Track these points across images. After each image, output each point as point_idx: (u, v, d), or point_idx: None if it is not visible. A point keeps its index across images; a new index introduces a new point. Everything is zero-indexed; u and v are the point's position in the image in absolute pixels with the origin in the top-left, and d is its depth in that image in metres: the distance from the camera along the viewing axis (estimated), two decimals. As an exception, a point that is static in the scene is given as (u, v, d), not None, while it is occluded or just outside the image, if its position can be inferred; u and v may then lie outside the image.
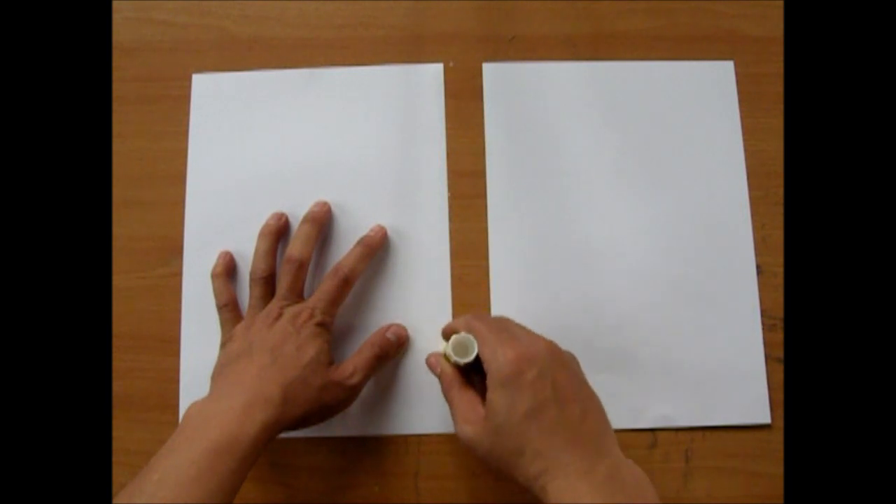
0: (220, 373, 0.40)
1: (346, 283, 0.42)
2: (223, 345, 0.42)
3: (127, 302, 0.45)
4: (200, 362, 0.45)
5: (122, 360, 0.45)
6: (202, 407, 0.36)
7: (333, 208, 0.46)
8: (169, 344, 0.45)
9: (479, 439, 0.35)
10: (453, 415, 0.37)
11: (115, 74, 0.48)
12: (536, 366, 0.34)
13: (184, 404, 0.44)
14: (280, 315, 0.41)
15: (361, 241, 0.44)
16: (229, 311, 0.43)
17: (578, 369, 0.37)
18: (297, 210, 0.46)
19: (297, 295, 0.42)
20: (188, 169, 0.47)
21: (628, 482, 0.33)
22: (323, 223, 0.45)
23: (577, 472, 0.32)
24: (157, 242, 0.46)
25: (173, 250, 0.46)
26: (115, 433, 0.44)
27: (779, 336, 0.45)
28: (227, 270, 0.45)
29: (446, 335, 0.39)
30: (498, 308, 0.45)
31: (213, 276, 0.45)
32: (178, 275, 0.46)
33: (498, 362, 0.35)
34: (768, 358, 0.44)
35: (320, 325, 0.40)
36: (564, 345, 0.37)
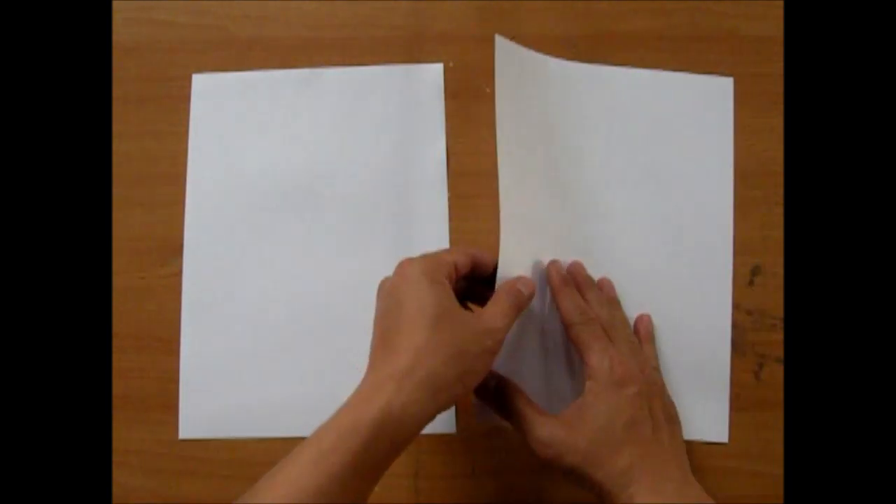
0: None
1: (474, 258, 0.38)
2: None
3: (127, 302, 0.45)
4: (200, 362, 0.45)
5: (122, 360, 0.45)
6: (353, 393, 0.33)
7: (333, 208, 0.46)
8: (169, 344, 0.45)
9: (564, 437, 0.35)
10: (522, 420, 0.37)
11: (115, 74, 0.48)
12: (637, 384, 0.36)
13: (184, 404, 0.44)
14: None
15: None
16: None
17: (667, 401, 0.39)
18: (298, 210, 0.46)
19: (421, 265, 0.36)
20: (188, 169, 0.47)
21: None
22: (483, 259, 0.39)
23: (667, 492, 0.34)
24: (157, 242, 0.46)
25: (173, 250, 0.46)
26: (115, 433, 0.44)
27: (779, 336, 0.45)
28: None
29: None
30: None
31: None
32: (178, 275, 0.46)
33: (602, 370, 0.37)
34: (767, 358, 0.44)
35: (438, 270, 0.35)
36: None
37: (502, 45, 0.42)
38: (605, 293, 0.42)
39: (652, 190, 0.46)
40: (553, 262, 0.41)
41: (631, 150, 0.47)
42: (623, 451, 0.35)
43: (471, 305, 0.40)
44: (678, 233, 0.46)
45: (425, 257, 0.36)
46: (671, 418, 0.38)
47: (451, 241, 0.46)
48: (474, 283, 0.39)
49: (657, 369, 0.42)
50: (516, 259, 0.39)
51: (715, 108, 0.47)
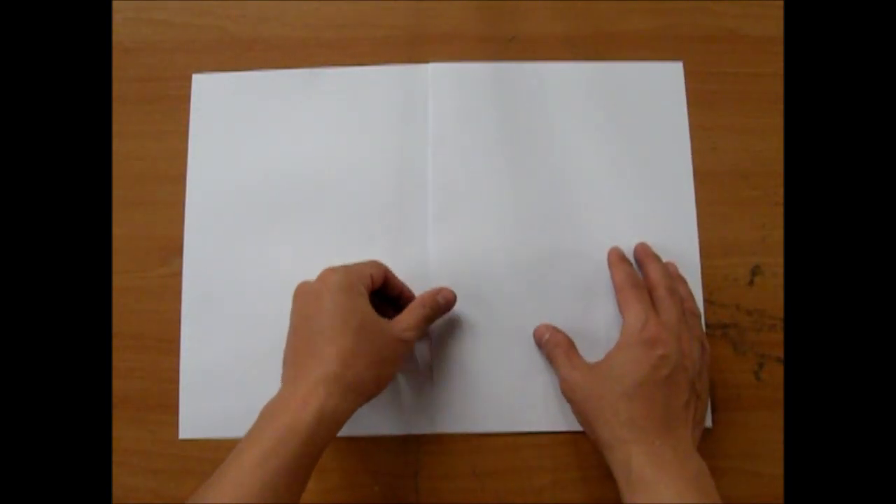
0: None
1: (380, 268, 0.41)
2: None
3: (127, 302, 0.46)
4: (200, 362, 0.45)
5: (122, 360, 0.45)
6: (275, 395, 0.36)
7: (333, 208, 0.46)
8: (169, 344, 0.45)
9: (584, 383, 0.39)
10: (559, 364, 0.41)
11: (115, 74, 0.48)
12: (665, 348, 0.37)
13: (184, 404, 0.44)
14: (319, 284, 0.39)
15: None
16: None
17: (699, 365, 0.39)
18: (297, 209, 0.46)
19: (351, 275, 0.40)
20: (188, 169, 0.47)
21: (707, 488, 0.35)
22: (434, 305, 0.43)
23: (670, 460, 0.35)
24: (157, 242, 0.46)
25: (173, 250, 0.46)
26: (115, 433, 0.44)
27: (779, 336, 0.45)
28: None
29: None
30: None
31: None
32: (178, 275, 0.46)
33: (635, 327, 0.39)
34: (767, 358, 0.44)
35: (346, 277, 0.38)
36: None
37: (437, 69, 0.46)
38: (669, 268, 0.44)
39: (614, 181, 0.46)
40: (614, 248, 0.45)
41: (589, 144, 0.47)
42: (630, 405, 0.36)
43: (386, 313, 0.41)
44: (644, 219, 0.46)
45: (347, 268, 0.39)
46: (696, 392, 0.38)
47: (451, 240, 0.46)
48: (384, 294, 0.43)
49: (704, 347, 0.41)
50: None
51: (668, 93, 0.47)
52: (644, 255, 0.44)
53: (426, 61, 0.48)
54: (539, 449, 0.44)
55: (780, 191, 0.46)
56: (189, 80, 0.48)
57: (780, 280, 0.45)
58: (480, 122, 0.47)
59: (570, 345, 0.42)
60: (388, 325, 0.39)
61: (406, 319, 0.40)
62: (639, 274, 0.43)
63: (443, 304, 0.43)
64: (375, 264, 0.41)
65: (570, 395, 0.40)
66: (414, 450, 0.44)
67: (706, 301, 0.45)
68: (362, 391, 0.37)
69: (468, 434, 0.44)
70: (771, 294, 0.45)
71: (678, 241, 0.46)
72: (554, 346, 0.42)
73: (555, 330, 0.43)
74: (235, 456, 0.34)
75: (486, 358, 0.44)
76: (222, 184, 0.47)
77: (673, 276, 0.43)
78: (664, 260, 0.44)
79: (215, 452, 0.44)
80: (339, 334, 0.36)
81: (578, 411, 0.39)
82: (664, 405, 0.36)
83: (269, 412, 0.35)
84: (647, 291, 0.41)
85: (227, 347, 0.45)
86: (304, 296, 0.39)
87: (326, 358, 0.36)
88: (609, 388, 0.37)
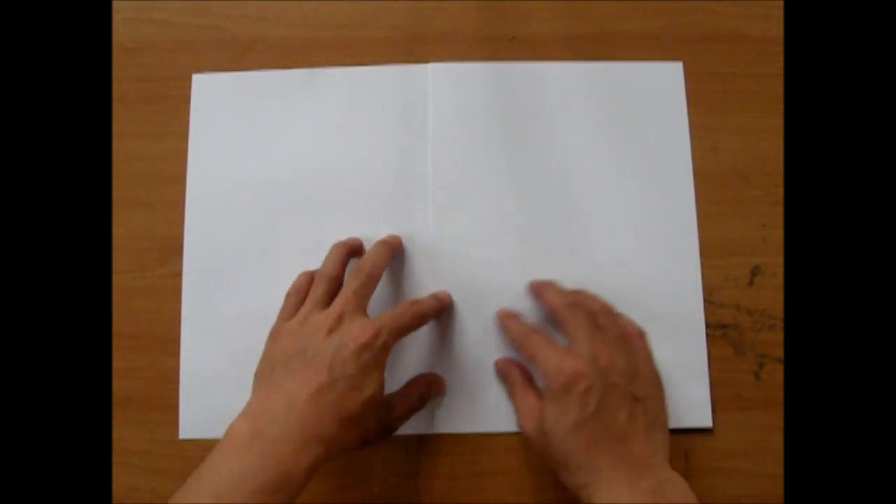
0: (269, 375, 0.37)
1: (420, 319, 0.41)
2: (273, 337, 0.40)
3: (127, 302, 0.46)
4: (200, 362, 0.45)
5: (122, 360, 0.45)
6: (253, 430, 0.34)
7: (333, 208, 0.46)
8: (169, 344, 0.45)
9: (534, 439, 0.38)
10: (516, 413, 0.41)
11: (115, 74, 0.48)
12: (586, 380, 0.36)
13: (184, 404, 0.44)
14: (340, 320, 0.38)
15: (436, 296, 0.43)
16: (297, 300, 0.41)
17: (629, 365, 0.38)
18: (297, 209, 0.46)
19: (360, 304, 0.39)
20: (188, 169, 0.47)
21: (671, 498, 0.34)
22: (395, 250, 0.44)
23: (619, 487, 0.34)
24: (157, 242, 0.46)
25: (173, 250, 0.46)
26: (115, 433, 0.44)
27: (779, 336, 0.45)
28: (311, 278, 0.43)
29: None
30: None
31: (302, 273, 0.43)
32: (178, 275, 0.46)
33: (550, 376, 0.37)
34: (767, 358, 0.44)
35: (383, 349, 0.37)
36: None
37: (437, 69, 0.46)
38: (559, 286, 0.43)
39: (614, 181, 0.46)
40: (497, 312, 0.44)
41: (589, 144, 0.47)
42: (571, 457, 0.35)
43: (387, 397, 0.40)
44: (643, 219, 0.46)
45: (381, 335, 0.37)
46: (636, 397, 0.37)
47: (451, 240, 0.46)
48: None
49: (629, 337, 0.40)
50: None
51: (668, 93, 0.47)
52: (535, 287, 0.44)
53: (426, 61, 0.48)
54: (539, 449, 0.44)
55: (780, 191, 0.46)
56: (189, 80, 0.48)
57: (780, 280, 0.45)
58: (480, 122, 0.47)
59: (525, 383, 0.41)
60: (386, 408, 0.39)
61: (400, 408, 0.40)
62: (529, 322, 0.43)
63: (435, 396, 0.43)
64: (410, 313, 0.40)
65: (530, 444, 0.39)
66: (414, 450, 0.44)
67: (706, 301, 0.45)
68: (347, 451, 0.37)
69: (468, 434, 0.44)
70: (771, 294, 0.45)
71: (678, 241, 0.46)
72: (510, 385, 0.42)
73: (511, 366, 0.43)
74: (232, 491, 0.33)
75: (486, 358, 0.44)
76: (222, 184, 0.47)
77: (568, 292, 0.42)
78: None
79: (215, 452, 0.44)
80: (348, 406, 0.35)
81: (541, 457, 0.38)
82: (607, 434, 0.35)
83: (256, 460, 0.34)
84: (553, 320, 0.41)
85: (227, 347, 0.45)
86: (327, 343, 0.37)
87: (327, 421, 0.35)
88: (551, 443, 0.36)
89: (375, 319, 0.38)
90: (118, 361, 0.45)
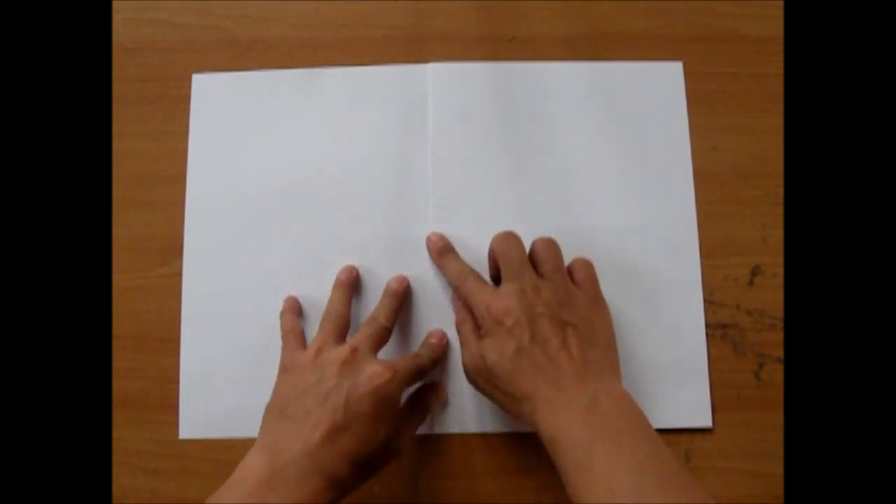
0: (281, 411, 0.37)
1: (433, 364, 0.42)
2: (285, 368, 0.40)
3: (127, 302, 0.46)
4: (200, 362, 0.45)
5: (122, 360, 0.45)
6: (270, 470, 0.34)
7: (333, 208, 0.46)
8: (169, 344, 0.45)
9: (478, 379, 0.39)
10: (462, 355, 0.41)
11: (115, 74, 0.48)
12: (513, 315, 0.37)
13: (184, 404, 0.44)
14: (354, 356, 0.38)
15: (440, 346, 0.44)
16: (297, 333, 0.42)
17: (557, 293, 0.38)
18: (297, 209, 0.46)
19: (374, 346, 0.40)
20: (188, 169, 0.47)
21: (606, 409, 0.35)
22: (403, 298, 0.44)
23: (556, 407, 0.35)
24: (157, 242, 0.46)
25: (173, 250, 0.46)
26: (115, 433, 0.44)
27: (779, 336, 0.45)
28: (297, 308, 0.44)
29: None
30: None
31: (282, 312, 0.44)
32: (178, 275, 0.46)
33: (482, 316, 0.39)
34: (767, 358, 0.44)
35: (398, 391, 0.38)
36: None
37: (437, 69, 0.47)
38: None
39: (614, 181, 0.46)
40: (430, 239, 0.45)
41: (588, 144, 0.47)
42: (516, 388, 0.36)
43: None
44: (643, 219, 0.46)
45: (397, 377, 0.37)
46: (564, 322, 0.37)
47: (451, 240, 0.46)
48: None
49: (560, 271, 0.40)
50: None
51: (668, 93, 0.47)
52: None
53: (426, 61, 0.48)
54: (539, 449, 0.43)
55: (780, 191, 0.46)
56: (189, 80, 0.48)
57: (780, 280, 0.45)
58: (480, 122, 0.47)
59: (474, 327, 0.40)
60: (392, 449, 0.38)
61: (407, 433, 0.41)
62: (464, 261, 0.43)
63: (437, 406, 0.43)
64: (423, 359, 0.41)
65: (474, 383, 0.40)
66: (414, 450, 0.44)
67: (706, 301, 0.45)
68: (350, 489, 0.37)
69: (468, 434, 0.44)
70: (771, 294, 0.45)
71: (678, 241, 0.46)
72: (459, 329, 0.42)
73: (464, 311, 0.42)
74: None
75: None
76: (222, 184, 0.47)
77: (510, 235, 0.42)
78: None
79: (215, 452, 0.44)
80: (362, 448, 0.36)
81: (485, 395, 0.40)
82: (543, 360, 0.36)
83: (268, 484, 0.34)
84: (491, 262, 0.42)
85: (227, 347, 0.45)
86: (341, 378, 0.37)
87: (340, 462, 0.35)
88: (495, 377, 0.37)
89: (393, 362, 0.38)
90: (118, 361, 0.45)
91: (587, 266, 0.41)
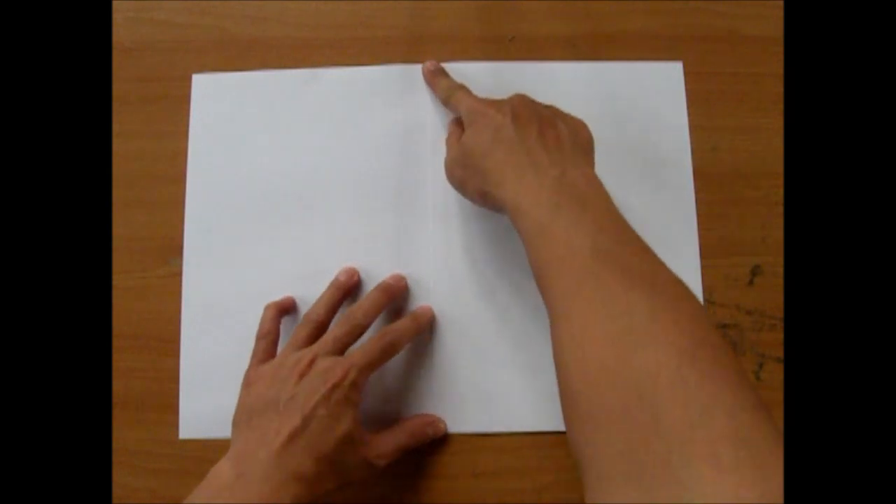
0: (247, 422, 0.38)
1: (392, 348, 0.41)
2: (248, 382, 0.40)
3: (127, 302, 0.46)
4: (200, 362, 0.45)
5: (122, 360, 0.45)
6: (236, 472, 0.35)
7: (332, 208, 0.46)
8: (169, 344, 0.45)
9: (457, 168, 0.40)
10: (446, 149, 0.44)
11: (115, 74, 0.48)
12: (496, 109, 0.39)
13: (184, 404, 0.44)
14: (311, 364, 0.38)
15: (414, 316, 0.43)
16: (266, 343, 0.42)
17: (547, 109, 0.40)
18: (297, 210, 0.46)
19: (336, 348, 0.40)
20: (188, 169, 0.47)
21: (573, 181, 0.35)
22: (394, 296, 0.44)
23: (526, 178, 0.35)
24: (157, 242, 0.46)
25: (173, 250, 0.46)
26: (115, 433, 0.44)
27: (779, 336, 0.45)
28: (283, 308, 0.44)
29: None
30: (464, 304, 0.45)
31: (266, 306, 0.44)
32: (178, 275, 0.46)
33: (467, 112, 0.40)
34: (767, 358, 0.44)
35: (354, 386, 0.38)
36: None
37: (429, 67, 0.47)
38: None
39: (614, 181, 0.45)
40: (426, 66, 0.47)
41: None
42: (492, 170, 0.37)
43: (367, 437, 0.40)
44: (643, 219, 0.45)
45: (350, 374, 0.38)
46: (539, 110, 0.39)
47: (452, 240, 0.46)
48: None
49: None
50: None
51: (668, 93, 0.47)
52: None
53: (426, 61, 0.48)
54: (539, 449, 0.44)
55: (780, 191, 0.46)
56: (189, 80, 0.48)
57: (780, 280, 0.45)
58: (480, 122, 0.47)
59: (460, 127, 0.42)
60: (363, 446, 0.38)
61: (384, 444, 0.40)
62: (453, 79, 0.46)
63: (430, 434, 0.43)
64: (378, 347, 0.40)
65: (450, 178, 0.42)
66: (414, 450, 0.44)
67: (706, 301, 0.45)
68: (319, 499, 0.37)
69: (468, 434, 0.44)
70: (771, 294, 0.45)
71: (678, 241, 0.46)
72: (448, 136, 0.45)
73: (451, 122, 0.45)
74: None
75: (486, 358, 0.44)
76: (222, 184, 0.47)
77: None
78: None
79: (215, 452, 0.44)
80: (327, 446, 0.36)
81: (463, 192, 0.41)
82: (521, 147, 0.36)
83: (229, 487, 0.35)
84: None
85: (227, 347, 0.45)
86: (298, 388, 0.38)
87: (307, 460, 0.36)
88: (473, 163, 0.38)
89: (345, 358, 0.39)
90: (118, 361, 0.45)
91: (582, 125, 0.41)
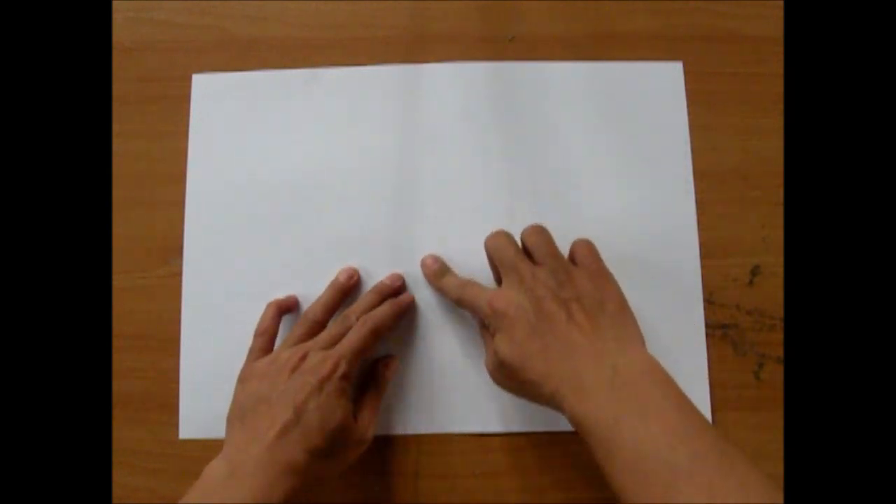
0: (241, 419, 0.38)
1: (374, 335, 0.41)
2: (243, 379, 0.40)
3: (127, 302, 0.46)
4: (200, 362, 0.45)
5: (122, 360, 0.45)
6: (229, 469, 0.36)
7: (332, 208, 0.46)
8: (169, 344, 0.45)
9: (500, 378, 0.38)
10: (486, 361, 0.40)
11: (115, 74, 0.48)
12: (514, 304, 0.37)
13: (184, 404, 0.44)
14: (303, 359, 0.39)
15: (392, 301, 0.43)
16: (263, 341, 0.42)
17: (557, 274, 0.38)
18: (297, 210, 0.46)
19: (330, 344, 0.41)
20: (188, 169, 0.47)
21: (628, 380, 0.34)
22: (405, 310, 0.44)
23: (577, 384, 0.34)
24: (157, 242, 0.46)
25: (173, 250, 0.46)
26: (115, 433, 0.44)
27: (779, 336, 0.45)
28: (284, 307, 0.44)
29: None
30: None
31: (268, 304, 0.44)
32: (178, 275, 0.46)
33: (487, 315, 0.38)
34: (767, 358, 0.44)
35: (344, 377, 0.38)
36: None
37: (437, 69, 0.46)
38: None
39: (614, 181, 0.46)
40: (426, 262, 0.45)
41: (588, 144, 0.47)
42: (534, 374, 0.35)
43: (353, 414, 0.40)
44: (643, 219, 0.46)
45: (340, 365, 0.38)
46: (567, 299, 0.37)
47: (452, 240, 0.46)
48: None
49: (555, 257, 0.39)
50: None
51: (668, 93, 0.47)
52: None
53: (426, 61, 0.48)
54: (539, 449, 0.44)
55: (780, 191, 0.46)
56: (189, 80, 0.48)
57: (780, 280, 0.45)
58: (480, 122, 0.47)
59: (487, 332, 0.40)
60: (354, 430, 0.39)
61: (366, 418, 0.40)
62: (460, 276, 0.44)
63: (391, 375, 0.43)
64: (364, 337, 0.40)
65: (499, 385, 0.39)
66: (414, 450, 0.44)
67: (706, 301, 0.45)
68: (321, 480, 0.38)
69: (468, 434, 0.44)
70: (771, 294, 0.45)
71: (678, 241, 0.46)
72: (481, 336, 0.42)
73: (477, 324, 0.43)
74: None
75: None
76: (222, 184, 0.47)
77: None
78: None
79: (215, 452, 0.43)
80: (317, 437, 0.37)
81: (512, 394, 0.39)
82: (554, 340, 0.35)
83: (222, 482, 0.35)
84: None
85: (227, 347, 0.45)
86: (289, 384, 0.38)
87: (298, 451, 0.36)
88: (514, 371, 0.36)
89: (333, 350, 0.39)
90: (118, 361, 0.45)
91: (586, 244, 0.41)
